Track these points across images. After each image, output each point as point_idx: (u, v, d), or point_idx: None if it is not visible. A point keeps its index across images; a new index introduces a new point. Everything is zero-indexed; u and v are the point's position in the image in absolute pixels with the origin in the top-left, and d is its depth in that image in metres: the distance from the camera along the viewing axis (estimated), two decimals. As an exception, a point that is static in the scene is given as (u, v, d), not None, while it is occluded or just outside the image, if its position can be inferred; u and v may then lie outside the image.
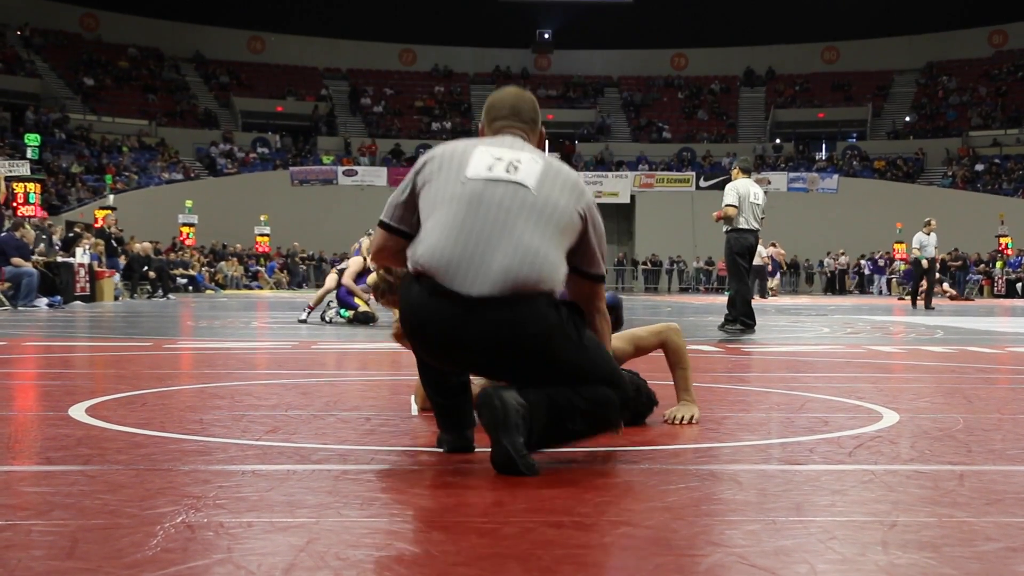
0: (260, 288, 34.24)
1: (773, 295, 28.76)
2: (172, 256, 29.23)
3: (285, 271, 37.15)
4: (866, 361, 7.25)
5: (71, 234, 21.92)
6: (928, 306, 18.59)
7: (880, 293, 35.90)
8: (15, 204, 21.53)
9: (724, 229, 10.69)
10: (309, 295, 16.65)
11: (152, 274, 23.76)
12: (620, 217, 39.48)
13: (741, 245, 10.55)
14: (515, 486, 2.62)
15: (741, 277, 10.60)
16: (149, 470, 2.79)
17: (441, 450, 3.09)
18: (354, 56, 51.00)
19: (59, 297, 16.72)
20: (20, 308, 15.22)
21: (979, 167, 43.44)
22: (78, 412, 3.92)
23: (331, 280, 12.11)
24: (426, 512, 2.36)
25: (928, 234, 18.50)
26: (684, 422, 3.79)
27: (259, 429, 3.56)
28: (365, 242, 13.44)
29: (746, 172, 10.94)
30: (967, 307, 21.83)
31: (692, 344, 8.54)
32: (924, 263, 18.73)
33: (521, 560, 1.94)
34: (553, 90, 50.71)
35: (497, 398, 2.72)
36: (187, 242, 34.42)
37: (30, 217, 21.21)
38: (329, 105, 48.91)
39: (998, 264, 33.71)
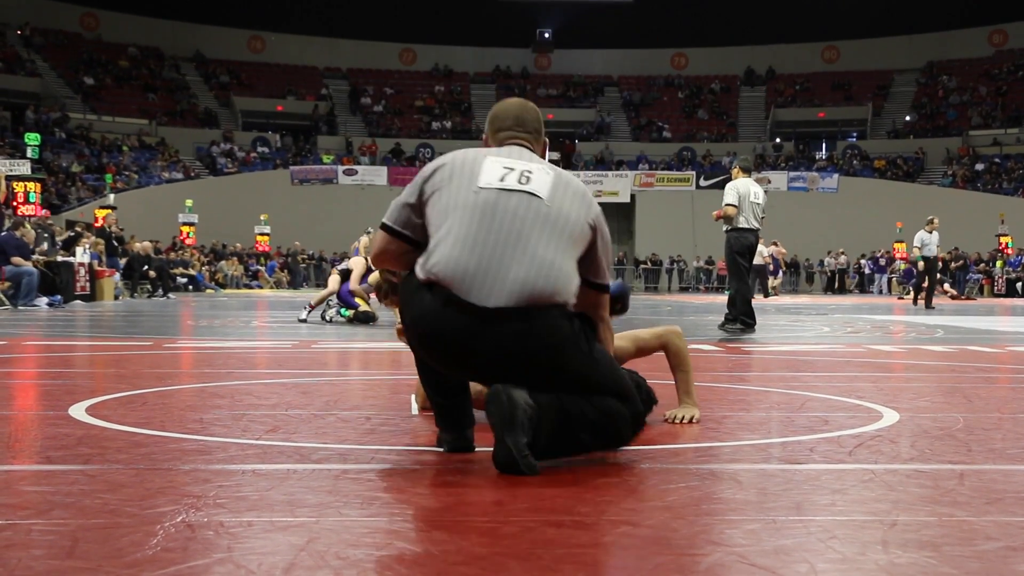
0: (260, 287, 34.24)
1: (775, 295, 28.74)
2: (172, 255, 29.23)
3: (286, 271, 37.15)
4: (866, 360, 7.24)
5: (72, 233, 21.93)
6: (928, 305, 18.58)
7: (880, 292, 35.90)
8: (15, 203, 21.54)
9: (724, 228, 10.69)
10: (309, 294, 16.66)
11: (152, 273, 23.77)
12: (620, 216, 39.48)
13: (741, 244, 10.55)
14: (515, 485, 2.62)
15: (741, 276, 10.60)
16: (149, 469, 2.79)
17: (441, 450, 3.09)
18: (354, 55, 51.00)
19: (59, 296, 16.73)
20: (20, 307, 15.22)
21: (979, 166, 43.44)
22: (78, 411, 3.92)
23: (334, 282, 12.11)
24: (426, 511, 2.36)
25: (930, 232, 18.48)
26: (684, 422, 3.79)
27: (259, 428, 3.56)
28: (364, 240, 13.44)
29: (746, 171, 10.94)
30: (967, 306, 21.83)
31: (692, 343, 8.53)
32: (920, 264, 18.72)
33: (521, 559, 1.94)
34: (553, 89, 50.72)
35: (506, 396, 2.72)
36: (187, 241, 34.43)
37: (32, 216, 21.23)
38: (329, 104, 48.92)
39: (998, 263, 33.70)
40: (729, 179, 11.05)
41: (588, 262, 3.03)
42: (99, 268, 19.95)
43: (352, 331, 10.52)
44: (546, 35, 52.80)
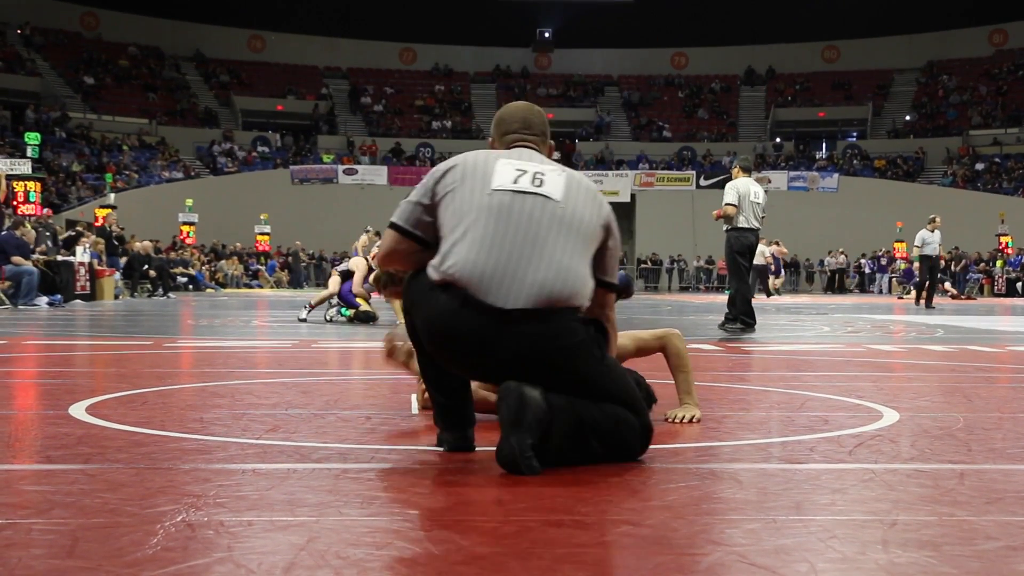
0: (260, 287, 34.25)
1: (778, 294, 28.72)
2: (172, 255, 29.23)
3: (286, 270, 37.16)
4: (866, 360, 7.24)
5: (72, 232, 21.93)
6: (928, 305, 18.58)
7: (880, 292, 35.90)
8: (15, 203, 21.53)
9: (724, 228, 10.70)
10: (309, 294, 16.65)
11: (152, 273, 23.77)
12: (620, 216, 38.72)
13: (741, 244, 10.55)
14: (515, 485, 2.62)
15: (741, 276, 10.61)
16: (149, 469, 2.80)
17: (441, 449, 3.09)
18: (354, 55, 51.00)
19: (59, 296, 16.72)
20: (20, 307, 15.23)
21: (979, 166, 43.44)
22: (78, 411, 3.92)
23: (334, 283, 12.09)
24: (427, 511, 2.36)
25: (932, 231, 18.47)
26: (685, 421, 3.79)
27: (259, 428, 3.56)
28: (363, 240, 13.42)
29: (746, 171, 10.94)
30: (967, 306, 21.83)
31: (692, 343, 8.54)
32: (916, 265, 18.71)
33: (521, 559, 1.94)
34: (553, 89, 50.71)
35: (518, 394, 2.72)
36: (187, 241, 34.43)
37: (33, 216, 21.23)
38: (329, 104, 48.92)
39: (998, 263, 33.70)
40: (729, 179, 11.05)
41: (598, 261, 3.06)
42: (99, 267, 19.94)
43: (352, 331, 10.51)
44: (546, 35, 52.80)
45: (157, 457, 2.99)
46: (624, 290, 3.63)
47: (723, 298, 16.56)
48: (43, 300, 15.84)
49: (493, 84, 51.29)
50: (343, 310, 11.87)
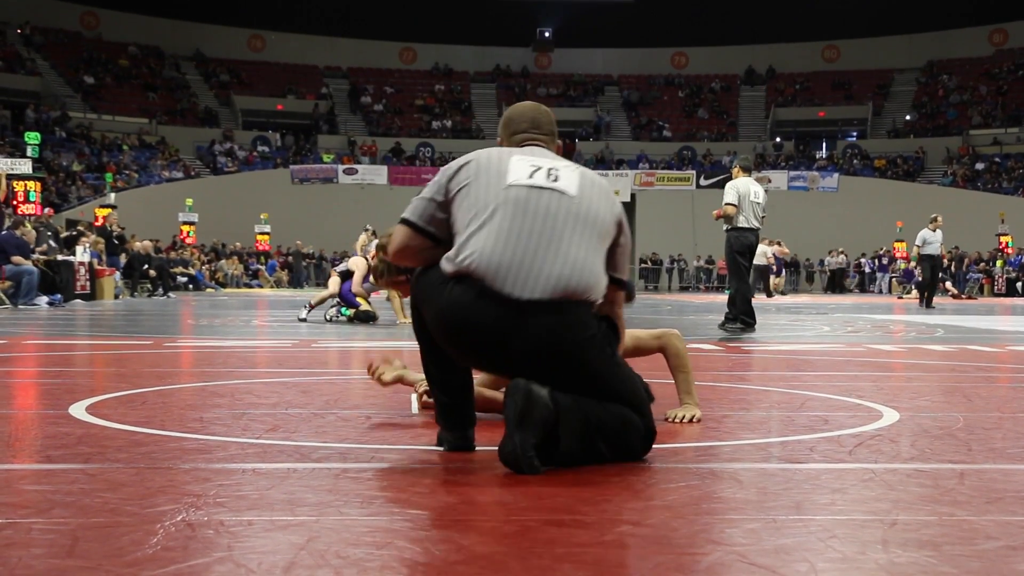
0: (260, 287, 34.25)
1: (781, 294, 28.71)
2: (172, 254, 29.24)
3: (286, 270, 37.16)
4: (866, 360, 7.24)
5: (73, 232, 21.93)
6: (929, 304, 18.58)
7: (881, 292, 35.90)
8: (15, 202, 21.54)
9: (724, 228, 10.70)
10: (309, 293, 16.64)
11: (152, 272, 23.77)
12: (620, 216, 39.43)
13: (741, 244, 10.56)
14: (515, 484, 2.62)
15: (741, 276, 10.61)
16: (149, 468, 2.79)
17: (441, 448, 3.09)
18: (354, 54, 51.00)
19: (59, 295, 16.72)
20: (20, 306, 15.23)
21: (979, 166, 43.44)
22: (78, 410, 3.92)
23: (334, 284, 12.08)
24: (427, 510, 2.36)
25: (934, 231, 18.45)
26: (685, 421, 3.79)
27: (259, 427, 3.56)
28: (363, 239, 13.42)
29: (746, 171, 10.94)
30: (967, 306, 21.83)
31: (692, 343, 8.55)
32: (913, 264, 18.71)
33: (521, 559, 1.94)
34: (553, 89, 50.71)
35: (525, 392, 2.72)
36: (187, 240, 34.43)
37: (34, 215, 21.23)
38: (329, 104, 48.92)
39: (998, 263, 33.70)
40: (729, 178, 11.05)
41: (610, 258, 3.08)
42: (99, 267, 19.94)
43: (352, 330, 10.51)
44: (546, 34, 52.81)
45: (157, 457, 2.99)
46: (629, 293, 3.64)
47: (723, 298, 16.57)
48: (43, 300, 15.84)
49: (493, 84, 51.30)
50: (343, 310, 11.87)
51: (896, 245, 36.56)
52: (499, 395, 3.80)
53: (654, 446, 3.03)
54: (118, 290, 21.26)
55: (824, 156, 46.68)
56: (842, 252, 38.06)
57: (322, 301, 12.36)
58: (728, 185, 10.69)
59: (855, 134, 49.15)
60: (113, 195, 32.98)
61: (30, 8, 45.21)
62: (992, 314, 17.47)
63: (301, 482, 2.62)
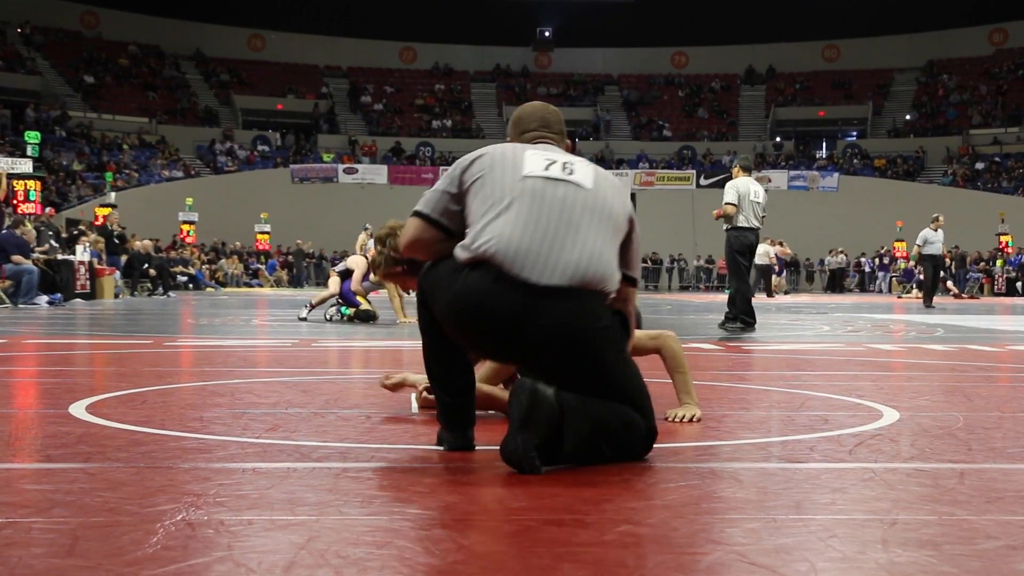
0: (260, 286, 34.25)
1: (784, 294, 28.70)
2: (172, 254, 29.24)
3: (286, 269, 37.17)
4: (866, 359, 7.24)
5: (75, 231, 21.95)
6: (929, 304, 18.57)
7: (881, 292, 35.89)
8: (15, 201, 21.54)
9: (724, 227, 10.70)
10: (309, 293, 16.64)
11: (152, 272, 23.77)
12: (620, 215, 39.43)
13: (741, 243, 10.56)
14: (515, 484, 2.62)
15: (741, 275, 10.62)
16: (149, 468, 2.79)
17: (441, 448, 3.09)
18: (354, 54, 51.00)
19: (59, 295, 16.73)
20: (20, 306, 15.23)
21: (979, 165, 43.45)
22: (78, 410, 3.92)
23: (334, 284, 12.08)
24: (427, 510, 2.36)
25: (936, 230, 18.44)
26: (685, 420, 3.79)
27: (259, 427, 3.56)
28: (362, 238, 13.42)
29: (746, 170, 10.95)
30: (967, 305, 21.84)
31: (692, 342, 8.55)
32: (913, 263, 18.70)
33: (521, 558, 1.94)
34: (553, 88, 50.70)
35: (531, 392, 2.71)
36: (187, 240, 34.44)
37: (34, 215, 21.24)
38: (329, 103, 48.93)
39: (998, 262, 33.71)
40: (729, 178, 11.06)
41: (623, 253, 3.10)
42: (99, 266, 19.94)
43: (352, 330, 10.51)
44: (546, 34, 52.81)
45: (157, 456, 2.99)
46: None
47: (723, 297, 16.56)
48: (43, 299, 15.84)
49: (493, 83, 51.30)
50: (343, 309, 11.86)
51: (896, 245, 36.56)
52: (496, 391, 3.80)
53: (654, 446, 3.03)
54: (118, 289, 21.27)
55: (824, 156, 46.68)
56: (842, 252, 38.07)
57: (323, 301, 12.36)
58: (728, 185, 10.69)
59: (855, 134, 49.15)
60: (113, 194, 32.98)
61: (30, 7, 45.21)
62: (992, 314, 17.47)
63: (301, 481, 2.62)
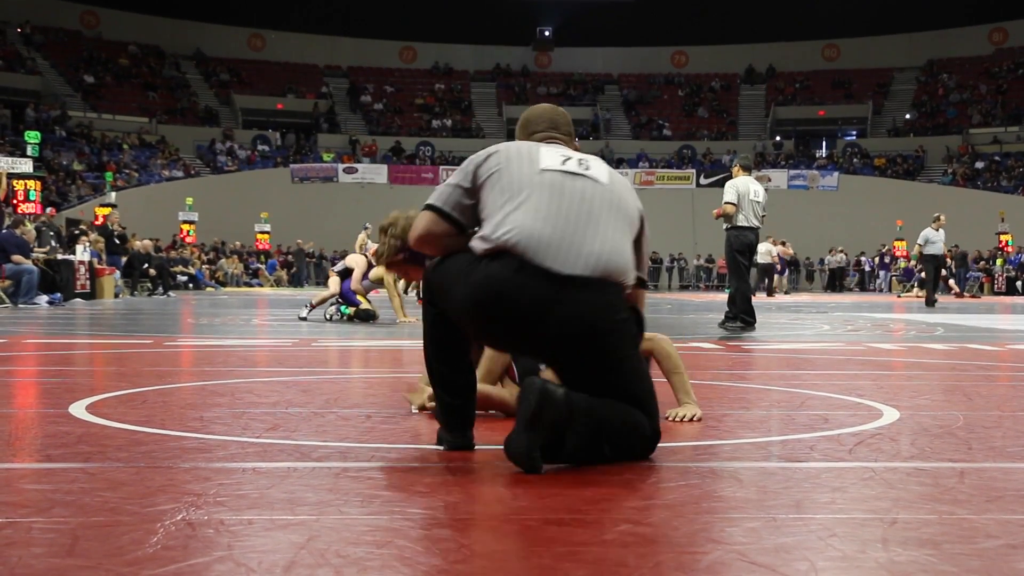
0: (260, 286, 34.25)
1: (785, 293, 28.70)
2: (172, 253, 29.25)
3: (286, 269, 37.16)
4: (866, 358, 7.25)
5: (76, 231, 21.95)
6: (931, 303, 18.56)
7: (881, 291, 35.89)
8: (15, 201, 21.54)
9: (724, 227, 10.70)
10: (309, 293, 16.63)
11: (152, 272, 23.77)
12: (620, 215, 39.43)
13: (741, 243, 10.56)
14: (516, 483, 2.62)
15: (741, 274, 10.62)
16: (149, 467, 2.79)
17: (441, 448, 3.09)
18: (354, 53, 51.00)
19: (59, 295, 16.73)
20: (20, 305, 15.23)
21: (979, 164, 43.45)
22: (78, 409, 3.92)
23: (334, 284, 12.08)
24: (427, 509, 2.36)
25: (937, 230, 18.44)
26: (685, 420, 3.79)
27: (259, 426, 3.56)
28: (361, 237, 13.42)
29: (746, 170, 10.95)
30: (967, 304, 21.84)
31: (692, 342, 8.55)
32: (913, 263, 18.69)
33: (522, 557, 1.94)
34: (553, 88, 50.70)
35: (540, 393, 2.69)
36: (187, 239, 34.44)
37: (34, 214, 21.24)
38: (329, 103, 48.92)
39: (998, 261, 33.71)
40: (729, 177, 11.06)
41: (634, 252, 3.11)
42: (99, 266, 19.94)
43: (352, 329, 10.51)
44: (546, 33, 52.81)
45: (157, 456, 2.99)
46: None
47: (723, 296, 16.56)
48: (43, 299, 15.84)
49: (493, 83, 51.30)
50: (343, 308, 11.86)
51: (896, 244, 36.56)
52: (492, 389, 3.79)
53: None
54: (118, 289, 21.27)
55: (824, 155, 46.68)
56: (842, 251, 38.07)
57: (323, 301, 12.36)
58: (728, 184, 10.69)
59: (855, 133, 49.15)
60: (114, 194, 32.97)
61: (30, 7, 45.20)
62: (992, 313, 17.47)
63: (301, 481, 2.62)
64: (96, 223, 25.79)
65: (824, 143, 48.39)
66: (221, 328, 10.63)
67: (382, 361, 7.03)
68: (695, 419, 3.80)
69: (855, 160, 45.68)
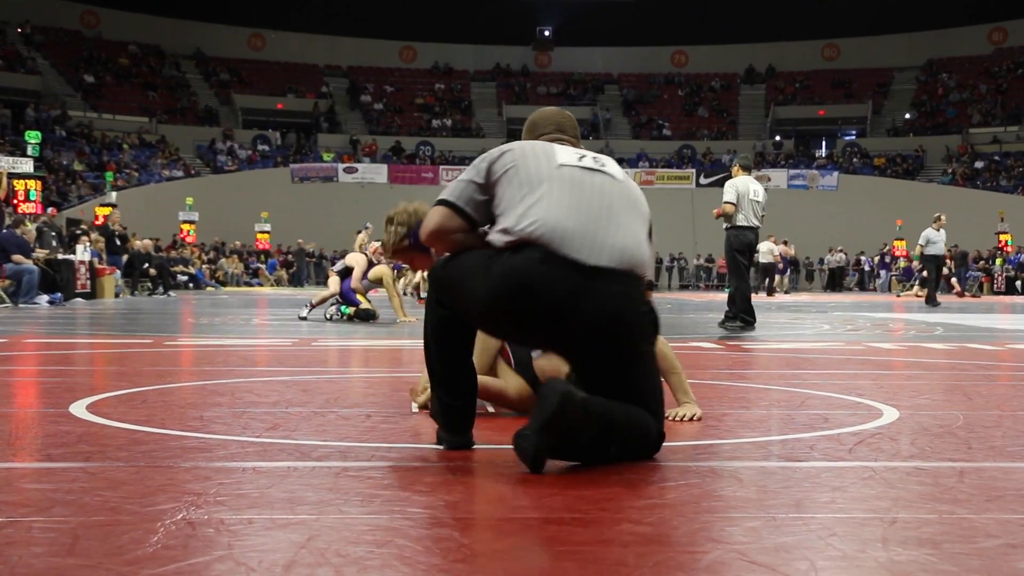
0: (261, 285, 34.25)
1: (785, 293, 28.71)
2: (173, 253, 29.24)
3: (286, 268, 37.16)
4: (866, 358, 7.24)
5: (77, 231, 21.95)
6: (932, 303, 18.56)
7: (880, 291, 35.89)
8: (15, 201, 21.55)
9: (724, 226, 10.70)
10: (309, 292, 16.63)
11: (153, 271, 23.77)
12: (620, 214, 39.46)
13: (740, 242, 10.56)
14: (515, 483, 2.62)
15: (741, 274, 10.62)
16: (150, 467, 2.80)
17: (441, 447, 3.09)
18: (354, 53, 51.00)
19: (60, 294, 16.72)
20: (21, 305, 15.23)
21: (979, 164, 43.44)
22: (79, 409, 3.92)
23: (334, 283, 12.07)
24: (427, 509, 2.36)
25: (938, 230, 18.43)
26: (685, 419, 3.79)
27: (259, 426, 3.56)
28: (361, 237, 13.41)
29: (746, 169, 10.95)
30: (967, 304, 21.84)
31: (692, 341, 8.55)
32: (916, 263, 18.69)
33: (522, 557, 1.94)
34: (553, 87, 50.71)
35: (558, 398, 2.66)
36: (188, 239, 34.44)
37: (37, 215, 21.25)
38: (329, 102, 48.92)
39: (998, 261, 33.72)
40: (729, 177, 11.06)
41: None
42: (99, 266, 19.94)
43: (352, 329, 10.51)
44: (546, 33, 52.81)
45: (157, 455, 2.99)
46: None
47: (723, 296, 16.56)
48: (43, 298, 15.84)
49: (493, 82, 51.30)
50: (343, 308, 11.86)
51: (896, 243, 36.56)
52: (487, 380, 3.77)
53: (655, 445, 3.03)
54: (118, 289, 21.26)
55: (824, 155, 46.68)
56: (841, 250, 38.07)
57: (323, 300, 12.35)
58: (727, 183, 10.69)
59: (855, 132, 49.15)
60: (114, 194, 32.97)
61: (30, 7, 45.21)
62: (992, 312, 17.47)
63: (301, 480, 2.62)
64: (96, 223, 25.80)
65: (824, 143, 48.40)
66: (221, 328, 10.63)
67: (382, 361, 7.03)
68: (695, 418, 3.80)
69: (855, 160, 45.68)
